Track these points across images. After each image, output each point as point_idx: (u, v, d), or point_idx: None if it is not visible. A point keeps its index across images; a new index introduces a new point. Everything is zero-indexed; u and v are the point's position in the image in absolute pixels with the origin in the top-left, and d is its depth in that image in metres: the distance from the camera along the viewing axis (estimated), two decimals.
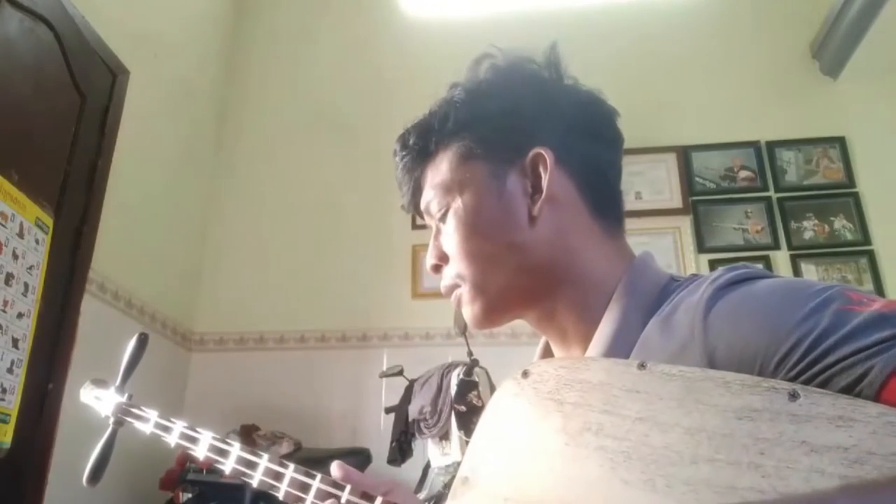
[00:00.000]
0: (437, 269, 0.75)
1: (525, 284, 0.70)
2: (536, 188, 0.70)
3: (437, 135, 0.74)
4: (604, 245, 0.71)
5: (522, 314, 0.72)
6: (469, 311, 0.72)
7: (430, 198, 0.74)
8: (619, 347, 0.61)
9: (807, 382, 0.44)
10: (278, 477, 0.82)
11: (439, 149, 0.74)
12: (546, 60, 0.75)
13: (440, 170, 0.74)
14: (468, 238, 0.70)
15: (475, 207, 0.71)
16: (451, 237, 0.72)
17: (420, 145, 0.76)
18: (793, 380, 0.45)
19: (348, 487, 0.73)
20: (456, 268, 0.72)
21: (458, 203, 0.72)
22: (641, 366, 0.47)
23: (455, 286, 0.72)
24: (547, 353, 0.75)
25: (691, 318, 0.55)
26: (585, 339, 0.66)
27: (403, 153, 0.78)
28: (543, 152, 0.70)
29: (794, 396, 0.40)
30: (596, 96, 0.76)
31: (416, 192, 0.77)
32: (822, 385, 0.43)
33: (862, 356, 0.43)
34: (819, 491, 0.37)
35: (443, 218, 0.73)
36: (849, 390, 0.42)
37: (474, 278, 0.70)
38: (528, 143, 0.71)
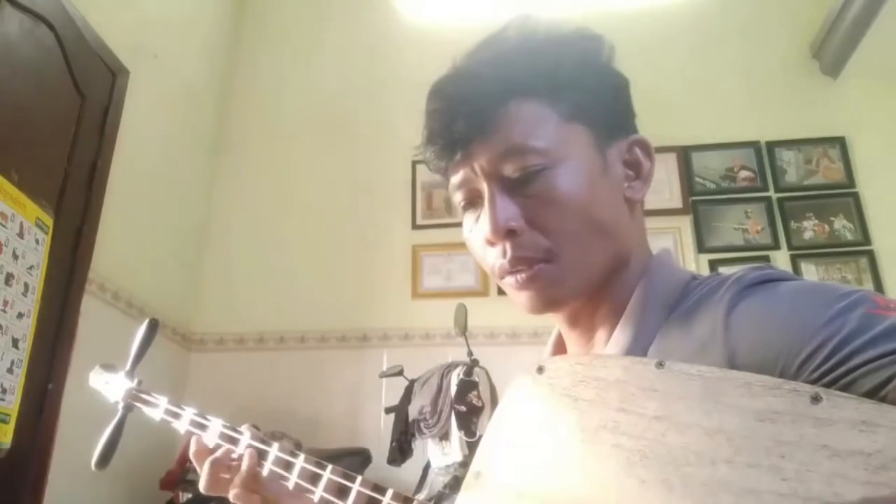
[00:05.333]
0: (511, 234, 0.62)
1: (607, 274, 0.65)
2: (638, 174, 0.68)
3: (542, 79, 0.64)
4: (646, 241, 0.71)
5: (574, 306, 0.66)
6: (547, 293, 0.63)
7: (512, 149, 0.62)
8: (638, 345, 0.60)
9: (830, 385, 0.43)
10: (288, 466, 0.81)
11: (534, 94, 0.63)
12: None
13: (531, 120, 0.63)
14: (580, 210, 0.62)
15: (586, 178, 0.63)
16: (553, 205, 0.61)
17: (516, 79, 0.64)
18: (815, 381, 0.44)
19: (359, 479, 0.73)
20: (550, 240, 0.62)
21: (562, 166, 0.62)
22: (660, 364, 0.47)
23: (538, 260, 0.62)
24: (559, 348, 0.73)
25: (713, 318, 0.54)
26: (607, 336, 0.65)
27: (477, 80, 0.65)
28: (645, 139, 0.69)
29: (816, 399, 0.40)
30: None
31: (481, 131, 0.63)
32: (846, 388, 0.43)
33: (888, 360, 0.42)
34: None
35: (531, 177, 0.62)
36: (873, 394, 0.41)
37: (575, 254, 0.62)
38: (626, 126, 0.69)
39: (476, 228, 0.65)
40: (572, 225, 0.61)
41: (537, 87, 0.63)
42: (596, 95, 0.66)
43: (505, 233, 0.61)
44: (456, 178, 0.66)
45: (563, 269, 0.62)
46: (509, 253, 0.62)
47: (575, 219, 0.61)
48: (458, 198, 0.68)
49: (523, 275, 0.62)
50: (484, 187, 0.64)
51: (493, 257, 0.64)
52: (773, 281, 0.55)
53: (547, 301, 0.63)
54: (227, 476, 0.85)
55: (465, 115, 0.63)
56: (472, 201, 0.66)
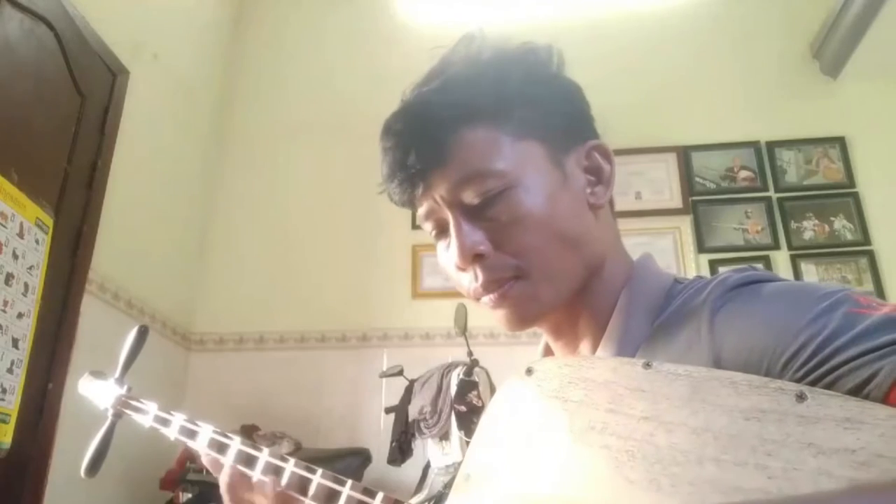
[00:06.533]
0: (479, 258, 0.63)
1: (581, 283, 0.65)
2: (599, 179, 0.69)
3: (489, 101, 0.64)
4: (621, 244, 0.71)
5: (554, 317, 0.67)
6: (521, 309, 0.64)
7: (468, 176, 0.63)
8: (625, 353, 0.61)
9: (813, 383, 0.44)
10: (278, 472, 0.81)
11: (483, 118, 0.64)
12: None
13: (483, 144, 0.63)
14: (543, 225, 0.62)
15: (546, 192, 0.63)
16: (516, 224, 0.62)
17: (464, 105, 0.64)
18: (799, 380, 0.44)
19: (349, 482, 0.72)
20: (518, 258, 0.63)
21: (520, 186, 0.62)
22: (647, 365, 0.47)
23: (508, 279, 0.63)
24: (548, 353, 0.74)
25: (697, 321, 0.55)
26: (592, 344, 0.66)
27: (430, 111, 0.65)
28: (603, 144, 0.69)
29: (801, 398, 0.40)
30: None
31: (436, 162, 0.64)
32: (829, 386, 0.43)
33: (870, 357, 0.42)
34: (824, 492, 0.37)
35: (491, 200, 0.62)
36: (856, 392, 0.42)
37: (544, 269, 0.63)
38: (582, 132, 0.70)
39: (447, 255, 0.66)
40: (537, 241, 0.62)
41: (485, 110, 0.64)
42: (545, 109, 0.67)
43: (472, 258, 0.63)
44: (422, 210, 0.68)
45: (534, 285, 0.63)
46: (481, 277, 0.63)
47: (539, 234, 0.62)
48: (427, 227, 0.69)
49: (496, 294, 0.63)
50: (448, 216, 0.65)
51: (467, 281, 0.65)
52: (756, 282, 0.55)
53: (522, 316, 0.64)
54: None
55: (418, 148, 0.64)
56: (442, 229, 0.67)
